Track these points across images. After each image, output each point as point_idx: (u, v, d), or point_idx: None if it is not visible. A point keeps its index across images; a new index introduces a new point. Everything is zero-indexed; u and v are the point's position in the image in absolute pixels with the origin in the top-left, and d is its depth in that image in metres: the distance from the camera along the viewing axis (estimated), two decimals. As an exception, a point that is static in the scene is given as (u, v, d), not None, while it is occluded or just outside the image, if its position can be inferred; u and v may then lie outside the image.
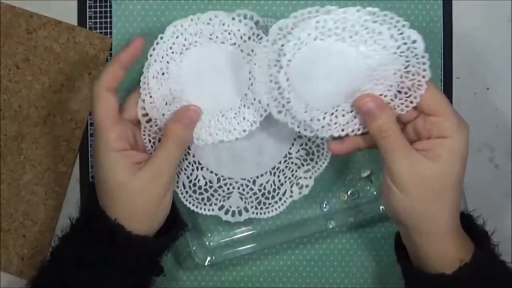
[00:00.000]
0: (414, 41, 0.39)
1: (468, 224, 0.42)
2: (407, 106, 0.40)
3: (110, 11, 0.50)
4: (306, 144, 0.45)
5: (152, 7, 0.50)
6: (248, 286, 0.51)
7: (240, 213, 0.45)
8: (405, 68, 0.39)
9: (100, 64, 0.50)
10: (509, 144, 0.51)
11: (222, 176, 0.45)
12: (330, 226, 0.48)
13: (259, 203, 0.45)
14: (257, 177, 0.45)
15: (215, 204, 0.45)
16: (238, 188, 0.45)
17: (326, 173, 0.47)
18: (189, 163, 0.45)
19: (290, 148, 0.45)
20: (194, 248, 0.48)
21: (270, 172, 0.45)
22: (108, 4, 0.50)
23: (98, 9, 0.50)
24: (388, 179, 0.39)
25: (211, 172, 0.45)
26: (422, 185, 0.38)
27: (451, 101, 0.50)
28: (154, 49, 0.42)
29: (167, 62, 0.42)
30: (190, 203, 0.45)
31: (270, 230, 0.50)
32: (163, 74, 0.42)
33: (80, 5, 0.50)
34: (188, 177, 0.45)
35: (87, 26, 0.50)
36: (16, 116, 0.50)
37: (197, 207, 0.45)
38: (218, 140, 0.43)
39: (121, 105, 0.42)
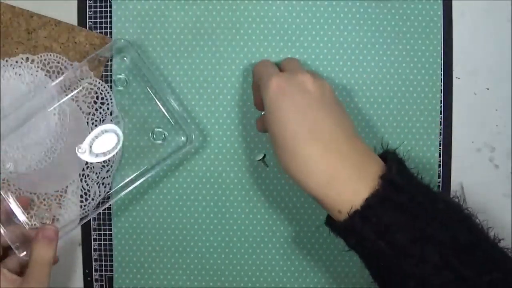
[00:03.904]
0: None
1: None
2: None
3: (110, 11, 0.50)
4: None
5: (152, 7, 0.50)
6: (248, 286, 0.51)
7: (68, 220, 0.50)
8: None
9: (100, 64, 0.50)
10: (509, 144, 0.51)
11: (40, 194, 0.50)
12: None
13: (76, 207, 0.50)
14: (67, 186, 0.50)
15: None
16: (55, 199, 0.50)
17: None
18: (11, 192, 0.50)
19: None
20: None
21: (80, 179, 0.50)
22: (108, 4, 0.50)
23: (98, 9, 0.50)
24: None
25: (30, 193, 0.50)
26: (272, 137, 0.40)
27: (451, 101, 0.50)
28: None
29: None
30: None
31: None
32: None
33: (80, 5, 0.50)
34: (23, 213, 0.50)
35: (87, 26, 0.50)
36: (16, 116, 0.50)
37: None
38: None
39: None
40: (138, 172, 0.50)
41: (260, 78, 0.43)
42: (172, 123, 0.50)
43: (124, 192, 0.48)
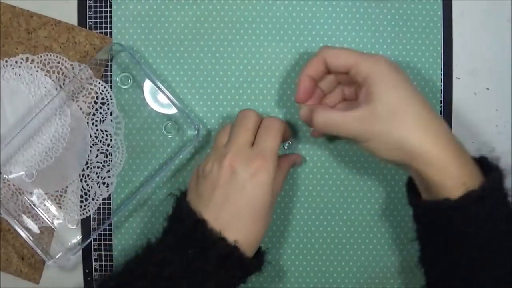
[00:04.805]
0: None
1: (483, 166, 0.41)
2: None
3: (110, 11, 0.50)
4: (102, 148, 0.50)
5: (152, 7, 0.50)
6: (248, 286, 0.51)
7: (68, 220, 0.51)
8: None
9: (100, 66, 0.50)
10: (509, 144, 0.51)
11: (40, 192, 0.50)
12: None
13: (76, 207, 0.50)
14: (67, 186, 0.50)
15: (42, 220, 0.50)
16: (55, 199, 0.50)
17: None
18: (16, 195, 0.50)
19: (89, 155, 0.50)
20: None
21: (80, 180, 0.50)
22: (108, 4, 0.50)
23: (98, 9, 0.50)
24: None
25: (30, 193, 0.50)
26: (374, 127, 0.39)
27: (451, 101, 0.50)
28: None
29: None
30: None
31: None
32: None
33: (80, 5, 0.50)
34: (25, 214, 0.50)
35: (87, 26, 0.50)
36: (16, 116, 0.50)
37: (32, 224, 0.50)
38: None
39: None
40: (146, 172, 0.50)
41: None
42: (180, 117, 0.50)
43: (142, 190, 0.49)
